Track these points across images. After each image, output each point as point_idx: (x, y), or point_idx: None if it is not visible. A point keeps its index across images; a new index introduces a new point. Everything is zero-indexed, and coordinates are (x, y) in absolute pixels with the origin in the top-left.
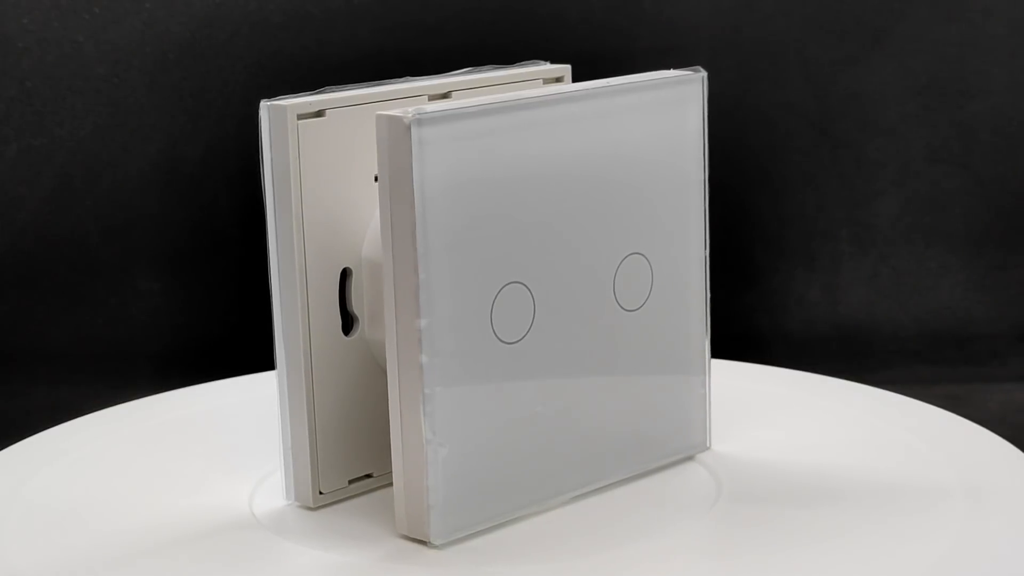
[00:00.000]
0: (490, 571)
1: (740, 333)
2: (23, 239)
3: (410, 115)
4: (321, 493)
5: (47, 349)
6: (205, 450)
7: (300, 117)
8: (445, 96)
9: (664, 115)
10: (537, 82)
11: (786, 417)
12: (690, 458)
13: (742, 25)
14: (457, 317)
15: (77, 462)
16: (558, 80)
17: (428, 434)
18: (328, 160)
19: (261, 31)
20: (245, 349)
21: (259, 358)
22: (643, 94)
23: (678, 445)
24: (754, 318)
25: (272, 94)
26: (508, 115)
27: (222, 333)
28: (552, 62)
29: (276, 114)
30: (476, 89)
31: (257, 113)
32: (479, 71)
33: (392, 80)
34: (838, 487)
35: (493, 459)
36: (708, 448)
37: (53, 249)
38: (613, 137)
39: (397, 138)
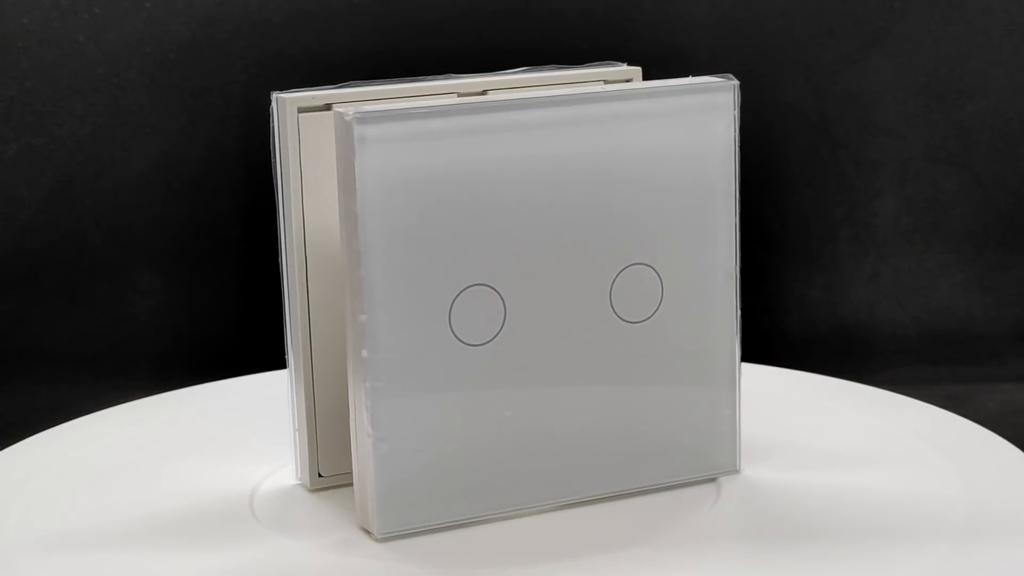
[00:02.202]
0: (410, 569)
1: (740, 333)
2: (23, 239)
3: (351, 113)
4: (320, 476)
5: (47, 349)
6: (215, 444)
7: (301, 110)
8: (482, 94)
9: (682, 123)
10: (598, 83)
11: (785, 420)
12: (712, 479)
13: (742, 25)
14: (405, 315)
15: (77, 462)
16: (627, 82)
17: (368, 428)
18: (333, 153)
19: (261, 31)
20: (246, 348)
21: (260, 357)
22: (653, 101)
23: (697, 465)
24: (754, 318)
25: (270, 94)
26: (466, 117)
27: (223, 333)
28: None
29: (280, 107)
30: (514, 89)
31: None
32: (536, 70)
33: (434, 76)
34: (836, 488)
35: (450, 460)
36: (737, 471)
37: (53, 249)
38: (614, 145)
39: (343, 135)
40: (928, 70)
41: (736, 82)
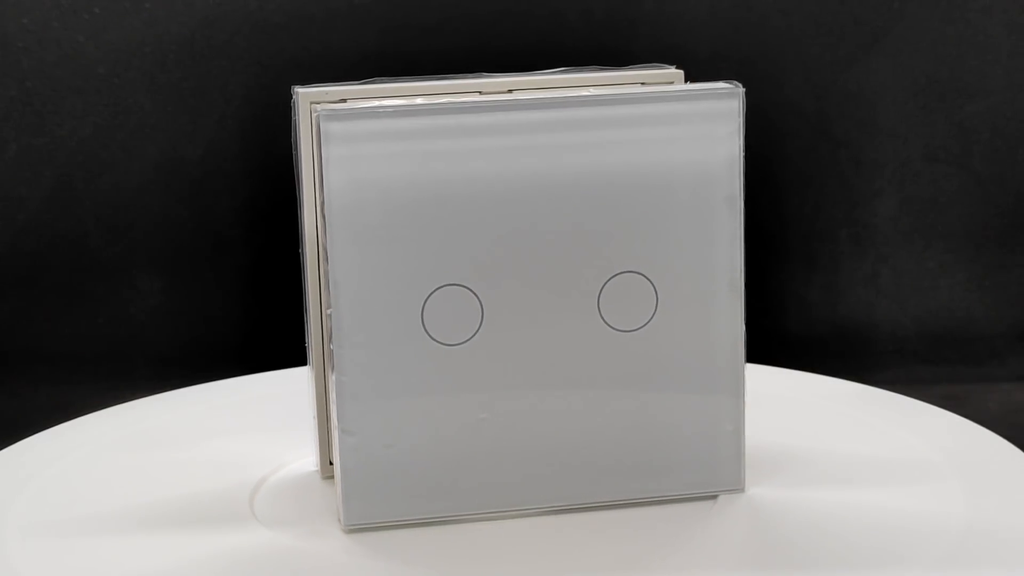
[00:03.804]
0: (361, 562)
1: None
2: (23, 239)
3: (318, 110)
4: (331, 464)
5: (47, 349)
6: (226, 437)
7: (314, 105)
8: (508, 93)
9: (684, 130)
10: (636, 85)
11: (784, 423)
12: (712, 496)
13: (742, 25)
14: (374, 311)
15: (77, 461)
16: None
17: (335, 420)
18: None
19: (261, 31)
20: (246, 348)
21: (261, 357)
22: (651, 106)
23: (696, 479)
24: (754, 318)
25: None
26: (439, 118)
27: (223, 333)
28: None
29: (297, 101)
30: (540, 89)
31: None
32: (576, 70)
33: (463, 75)
34: (835, 489)
35: (422, 457)
36: (742, 490)
37: (53, 249)
38: (608, 150)
39: (316, 131)
40: (928, 70)
41: (742, 89)
